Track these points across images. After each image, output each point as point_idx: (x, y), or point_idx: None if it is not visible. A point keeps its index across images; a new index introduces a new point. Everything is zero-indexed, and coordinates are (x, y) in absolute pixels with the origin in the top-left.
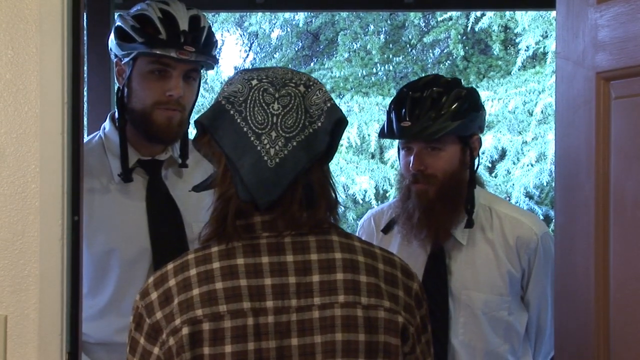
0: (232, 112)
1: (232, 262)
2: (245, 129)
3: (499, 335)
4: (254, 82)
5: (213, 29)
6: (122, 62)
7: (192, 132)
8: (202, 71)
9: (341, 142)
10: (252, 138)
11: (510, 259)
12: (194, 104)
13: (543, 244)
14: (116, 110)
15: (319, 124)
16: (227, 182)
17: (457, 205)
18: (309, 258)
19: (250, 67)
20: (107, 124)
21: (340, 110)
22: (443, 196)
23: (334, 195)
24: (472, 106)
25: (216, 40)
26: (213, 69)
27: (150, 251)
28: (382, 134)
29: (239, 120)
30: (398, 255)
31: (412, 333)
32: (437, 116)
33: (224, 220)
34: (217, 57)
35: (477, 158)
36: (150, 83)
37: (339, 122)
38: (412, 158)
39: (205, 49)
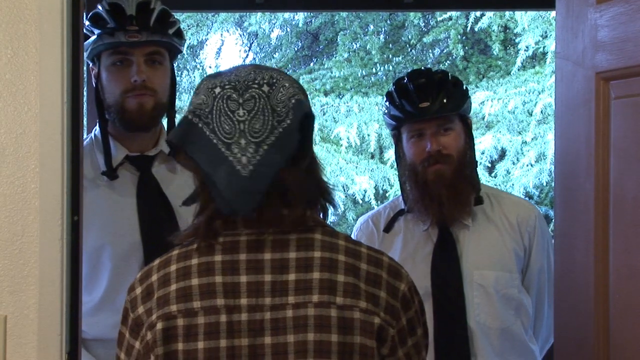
0: (200, 125)
1: (209, 258)
2: (214, 141)
3: (511, 313)
4: (217, 90)
5: (213, 29)
6: (91, 65)
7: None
8: (201, 72)
9: (341, 142)
10: (222, 149)
11: (514, 238)
12: (173, 90)
13: (539, 222)
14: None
15: (288, 122)
16: (206, 196)
17: (472, 182)
18: (287, 256)
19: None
20: (97, 125)
21: (307, 105)
22: (460, 174)
23: (322, 191)
24: (466, 89)
25: (174, 21)
26: (181, 52)
27: (141, 246)
28: (395, 120)
29: (207, 133)
30: (405, 251)
31: (393, 335)
32: (450, 95)
33: (199, 224)
34: (179, 38)
35: (473, 139)
36: (115, 74)
37: (306, 117)
38: (427, 142)
39: (157, 28)
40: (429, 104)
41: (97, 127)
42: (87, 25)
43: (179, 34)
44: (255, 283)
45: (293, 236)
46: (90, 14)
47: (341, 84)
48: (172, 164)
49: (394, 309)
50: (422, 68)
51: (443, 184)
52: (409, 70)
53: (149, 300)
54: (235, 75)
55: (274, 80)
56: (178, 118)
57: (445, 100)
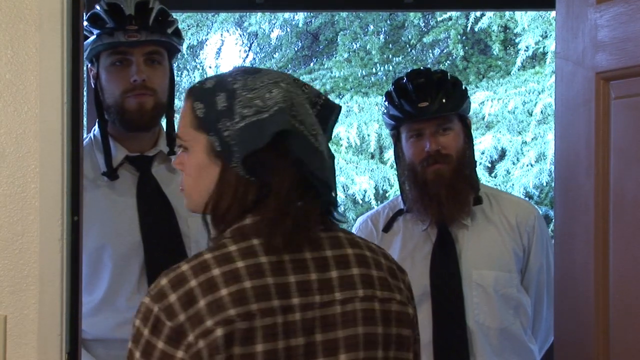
0: (290, 117)
1: (255, 260)
2: (305, 132)
3: (510, 312)
4: (283, 84)
5: (213, 29)
6: (90, 65)
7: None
8: (201, 72)
9: (341, 142)
10: (312, 140)
11: (513, 237)
12: (172, 89)
13: (539, 222)
14: (96, 112)
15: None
16: (288, 189)
17: (471, 182)
18: (325, 254)
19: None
20: (96, 126)
21: (333, 102)
22: (458, 174)
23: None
24: (465, 89)
25: (172, 20)
26: (179, 51)
27: (142, 246)
28: (395, 120)
29: (297, 125)
30: (404, 251)
31: (416, 323)
32: (449, 95)
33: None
34: (177, 37)
35: (472, 139)
36: (114, 75)
37: (337, 112)
38: (426, 141)
39: (156, 28)
40: (427, 104)
41: (96, 128)
42: (86, 26)
43: (178, 34)
44: (303, 282)
45: (323, 235)
46: (89, 14)
47: (341, 84)
48: (171, 163)
49: (409, 299)
50: (422, 68)
51: (442, 183)
52: (409, 70)
53: (190, 307)
54: (274, 73)
55: (295, 80)
56: (177, 118)
57: (444, 100)
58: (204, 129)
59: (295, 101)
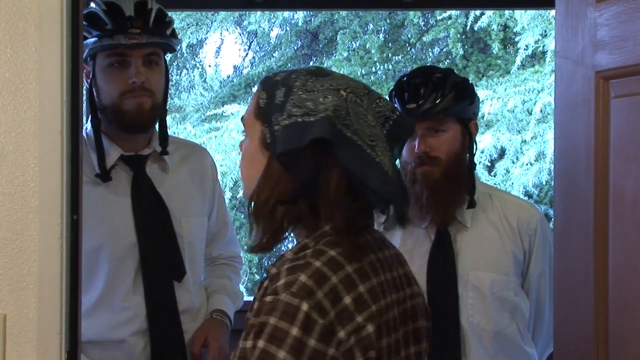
0: (339, 126)
1: (369, 257)
2: (359, 142)
3: (506, 316)
4: (343, 92)
5: (213, 28)
6: (84, 64)
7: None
8: (200, 71)
9: None
10: (368, 150)
11: (513, 240)
12: (166, 90)
13: (542, 225)
14: (90, 112)
15: (384, 132)
16: (342, 194)
17: (460, 186)
18: (389, 253)
19: (248, 65)
20: (88, 124)
21: (412, 121)
22: (448, 177)
23: None
24: (468, 91)
25: (170, 20)
26: (175, 51)
27: (137, 246)
28: None
29: (349, 134)
30: (402, 248)
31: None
32: (440, 98)
33: (353, 228)
34: (174, 38)
35: (475, 143)
36: (113, 76)
37: (411, 132)
38: (416, 142)
39: (156, 30)
40: (415, 105)
41: (88, 126)
42: (84, 25)
43: (174, 34)
44: (391, 279)
45: (376, 235)
46: (86, 12)
47: None
48: (164, 163)
49: None
50: (427, 65)
51: (427, 186)
52: (412, 68)
53: (337, 304)
54: (342, 79)
55: (368, 90)
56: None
57: (437, 102)
58: (262, 119)
59: (352, 110)
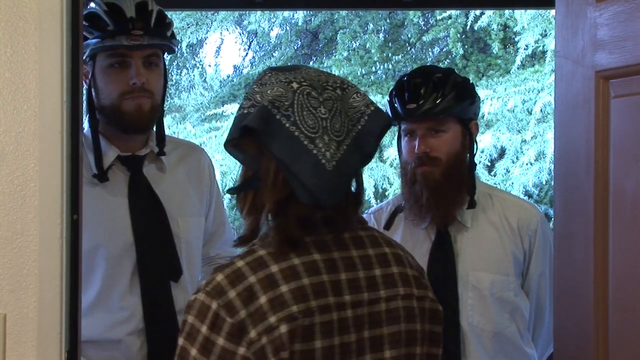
0: (278, 116)
1: (310, 257)
2: (296, 133)
3: (506, 316)
4: (294, 84)
5: (213, 28)
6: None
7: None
8: (200, 70)
9: None
10: (305, 142)
11: (514, 241)
12: (164, 91)
13: (542, 226)
14: (87, 112)
15: (359, 127)
16: (280, 186)
17: (460, 186)
18: (367, 253)
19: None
20: (85, 124)
21: (386, 114)
22: (448, 177)
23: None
24: (469, 91)
25: (170, 22)
26: (174, 52)
27: (134, 247)
28: (392, 117)
29: (287, 125)
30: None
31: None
32: (441, 98)
33: (286, 225)
34: (174, 39)
35: (475, 143)
36: (113, 76)
37: (387, 127)
38: (416, 142)
39: (157, 31)
40: (415, 106)
41: (85, 126)
42: (85, 26)
43: (174, 35)
44: (353, 280)
45: (362, 233)
46: (87, 12)
47: None
48: (161, 163)
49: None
50: (428, 65)
51: (427, 186)
52: (413, 68)
53: (251, 303)
54: (306, 74)
55: (345, 86)
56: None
57: (438, 102)
58: None
59: (299, 102)
